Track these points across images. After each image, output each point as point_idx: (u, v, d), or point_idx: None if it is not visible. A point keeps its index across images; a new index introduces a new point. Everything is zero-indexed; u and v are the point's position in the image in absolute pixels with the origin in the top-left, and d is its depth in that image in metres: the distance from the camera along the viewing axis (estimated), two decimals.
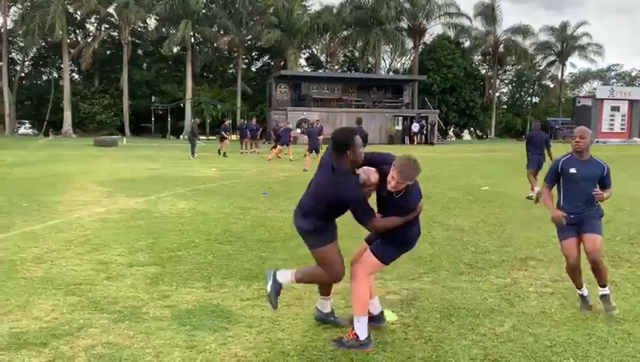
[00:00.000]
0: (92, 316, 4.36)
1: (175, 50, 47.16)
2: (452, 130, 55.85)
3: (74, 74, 49.62)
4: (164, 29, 47.04)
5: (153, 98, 46.42)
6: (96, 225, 8.06)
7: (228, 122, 27.50)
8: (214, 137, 43.28)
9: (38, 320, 4.25)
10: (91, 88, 47.44)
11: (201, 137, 34.76)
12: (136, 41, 49.67)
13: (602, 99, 47.14)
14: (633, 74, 66.36)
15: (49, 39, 43.82)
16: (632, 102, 47.65)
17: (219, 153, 24.73)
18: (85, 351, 3.71)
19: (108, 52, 49.66)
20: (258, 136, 28.76)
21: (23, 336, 3.92)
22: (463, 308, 4.63)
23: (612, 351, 3.84)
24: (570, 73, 65.71)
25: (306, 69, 55.08)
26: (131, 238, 7.16)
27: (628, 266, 6.14)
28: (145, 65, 50.54)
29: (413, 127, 41.32)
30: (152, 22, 50.55)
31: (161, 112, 46.23)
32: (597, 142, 43.68)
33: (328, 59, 54.07)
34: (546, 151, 11.51)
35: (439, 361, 3.63)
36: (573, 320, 4.41)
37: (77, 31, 50.00)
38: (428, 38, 53.69)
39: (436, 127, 42.70)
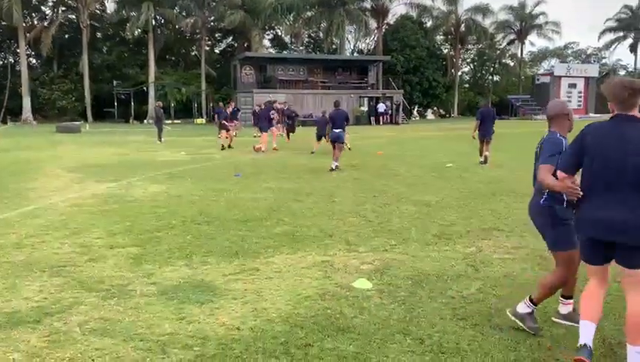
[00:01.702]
0: (80, 295, 4.53)
1: (136, 32, 46.16)
2: (416, 109, 56.55)
3: (31, 59, 48.10)
4: (124, 12, 45.98)
5: (115, 82, 45.41)
6: (71, 210, 8.13)
7: (232, 106, 22.37)
8: (179, 121, 42.87)
9: (28, 300, 4.40)
10: (50, 73, 46.10)
11: (167, 121, 34.33)
12: (95, 24, 48.37)
13: (560, 77, 48.53)
14: (589, 51, 68.28)
15: (3, 23, 42.33)
16: (587, 79, 49.20)
17: (222, 148, 19.12)
18: (79, 326, 3.89)
19: (66, 36, 48.24)
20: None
21: (16, 315, 4.07)
22: (433, 275, 4.98)
23: None
24: (530, 51, 67.15)
25: (271, 50, 54.75)
26: (108, 222, 7.28)
27: None
28: (105, 48, 49.32)
29: (379, 108, 41.74)
30: (110, 5, 49.35)
31: (123, 97, 45.32)
32: None
33: (293, 40, 53.82)
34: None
35: (412, 322, 3.95)
36: (532, 282, 4.77)
37: (33, 14, 48.34)
38: (391, 19, 54.00)
39: (401, 107, 43.21)
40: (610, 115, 3.19)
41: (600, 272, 3.29)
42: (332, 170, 12.64)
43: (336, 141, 13.05)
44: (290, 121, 23.60)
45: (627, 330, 3.21)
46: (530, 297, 3.77)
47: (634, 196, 3.01)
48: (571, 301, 3.91)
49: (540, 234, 3.87)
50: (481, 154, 13.94)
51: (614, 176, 3.03)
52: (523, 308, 3.75)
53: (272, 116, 18.80)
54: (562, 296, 3.93)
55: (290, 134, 23.00)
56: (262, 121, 18.82)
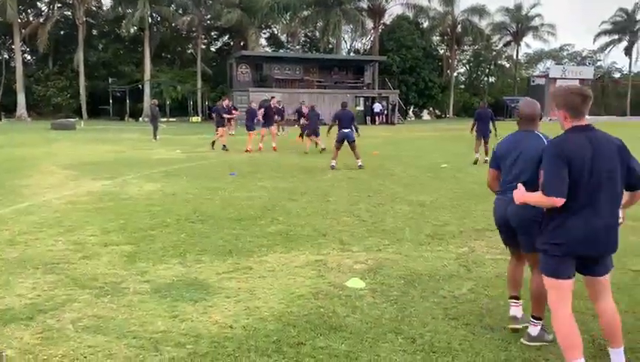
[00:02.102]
0: (74, 292, 4.54)
1: (132, 30, 46.09)
2: (412, 110, 56.66)
3: (26, 55, 47.94)
4: (120, 9, 45.88)
5: (110, 80, 45.31)
6: (66, 207, 8.12)
7: (227, 103, 20.01)
8: (174, 119, 42.80)
9: (21, 297, 4.40)
10: (45, 70, 45.96)
11: (162, 119, 34.25)
12: (91, 21, 48.26)
13: (555, 78, 48.78)
14: (584, 54, 68.60)
15: None
16: (582, 81, 49.36)
17: (220, 147, 18.27)
18: (72, 323, 3.90)
19: (62, 32, 48.10)
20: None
21: (9, 312, 4.07)
22: (425, 275, 5.02)
23: None
24: (525, 53, 67.36)
25: (267, 49, 54.74)
26: (102, 219, 7.28)
27: None
28: (101, 45, 49.21)
29: (374, 108, 41.80)
30: (106, 1, 49.25)
31: (119, 94, 45.24)
32: (550, 120, 45.25)
33: (289, 39, 53.82)
34: (491, 125, 14.66)
35: (404, 321, 3.98)
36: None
37: (28, 10, 48.16)
38: (388, 19, 54.16)
39: (397, 107, 43.28)
40: (566, 124, 3.07)
41: (572, 286, 3.16)
42: (360, 166, 13.10)
43: (346, 139, 13.34)
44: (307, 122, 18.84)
45: (606, 333, 3.24)
46: (532, 316, 3.65)
47: (613, 208, 3.03)
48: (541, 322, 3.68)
49: (516, 234, 3.68)
50: (476, 152, 14.30)
51: (595, 189, 2.97)
52: (534, 330, 3.62)
53: (257, 117, 18.08)
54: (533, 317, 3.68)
55: (310, 138, 17.90)
56: (248, 119, 18.40)
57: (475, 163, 13.93)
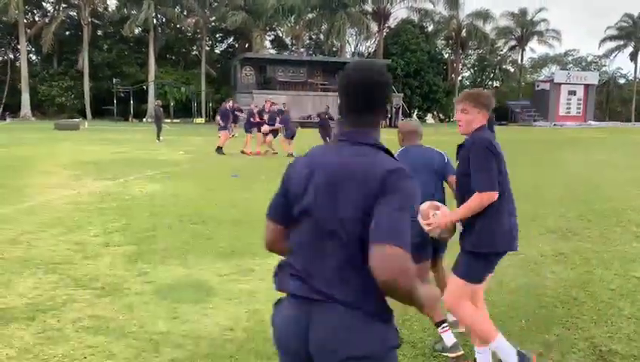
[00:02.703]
0: (75, 292, 4.54)
1: (137, 31, 46.26)
2: (415, 113, 56.64)
3: (31, 55, 48.11)
4: (125, 10, 46.05)
5: (115, 80, 45.47)
6: (68, 207, 8.13)
7: (233, 105, 19.23)
8: (178, 120, 42.88)
9: (22, 296, 4.41)
10: (50, 70, 46.15)
11: (166, 120, 34.35)
12: (96, 21, 48.43)
13: (560, 84, 48.66)
14: (589, 59, 68.44)
15: (4, 19, 42.36)
16: (587, 87, 49.34)
17: (217, 151, 17.43)
18: (72, 323, 3.90)
19: (67, 33, 48.29)
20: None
21: (10, 311, 4.08)
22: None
23: (560, 313, 4.26)
24: (530, 58, 67.33)
25: (271, 51, 54.86)
26: (104, 220, 7.29)
27: (577, 240, 6.63)
28: (105, 46, 49.35)
29: None
30: (112, 2, 49.44)
31: (123, 95, 45.35)
32: (554, 125, 45.12)
33: (293, 41, 53.92)
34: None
35: (405, 325, 3.97)
36: (525, 289, 4.82)
37: (34, 10, 48.39)
38: (392, 22, 54.20)
39: (401, 110, 43.30)
40: (481, 122, 3.20)
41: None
42: None
43: None
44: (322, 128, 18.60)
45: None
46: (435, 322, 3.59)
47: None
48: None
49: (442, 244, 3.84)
50: None
51: (507, 185, 3.07)
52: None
53: (252, 119, 17.75)
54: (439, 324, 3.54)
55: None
56: (246, 121, 18.01)
57: None
